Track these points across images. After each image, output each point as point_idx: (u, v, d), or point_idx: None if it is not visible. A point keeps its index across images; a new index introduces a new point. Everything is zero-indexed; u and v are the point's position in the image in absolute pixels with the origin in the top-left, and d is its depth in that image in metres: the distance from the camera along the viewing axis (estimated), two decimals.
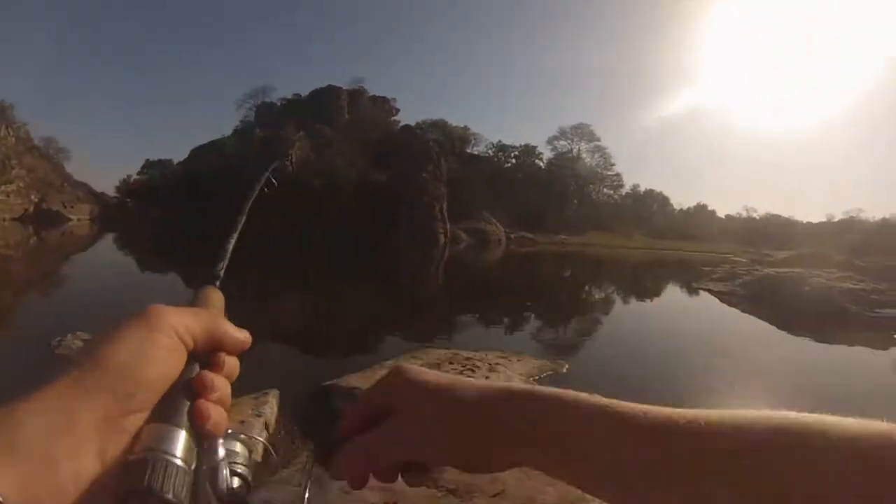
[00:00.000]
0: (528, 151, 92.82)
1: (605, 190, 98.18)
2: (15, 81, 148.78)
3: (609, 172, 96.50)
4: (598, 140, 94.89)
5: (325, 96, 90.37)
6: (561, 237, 77.51)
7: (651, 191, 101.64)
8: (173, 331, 0.55)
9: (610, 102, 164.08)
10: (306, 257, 39.11)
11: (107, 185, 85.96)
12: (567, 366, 10.60)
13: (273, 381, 8.13)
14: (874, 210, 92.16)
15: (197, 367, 0.58)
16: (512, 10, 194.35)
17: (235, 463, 0.64)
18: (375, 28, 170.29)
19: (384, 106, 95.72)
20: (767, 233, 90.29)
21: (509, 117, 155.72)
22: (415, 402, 0.62)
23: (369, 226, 61.29)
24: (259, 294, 21.13)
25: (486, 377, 8.63)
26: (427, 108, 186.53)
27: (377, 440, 0.61)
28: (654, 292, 31.82)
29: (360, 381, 8.06)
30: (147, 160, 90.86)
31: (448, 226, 67.69)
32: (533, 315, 19.87)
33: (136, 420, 0.49)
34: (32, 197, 63.94)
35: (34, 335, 11.32)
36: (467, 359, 10.08)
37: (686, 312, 24.59)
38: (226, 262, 0.88)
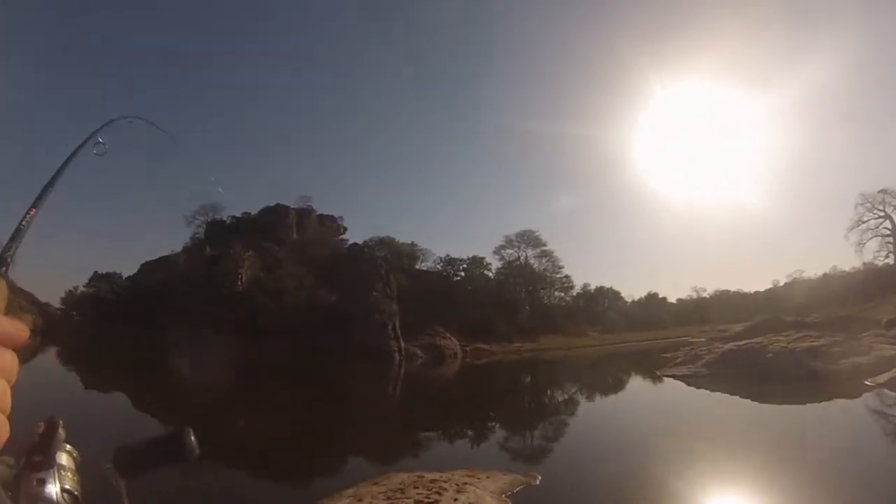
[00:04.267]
0: (477, 263, 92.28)
1: (555, 293, 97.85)
2: None
3: (558, 275, 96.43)
4: (545, 245, 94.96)
5: (274, 215, 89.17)
6: (516, 345, 76.43)
7: (601, 288, 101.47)
8: None
9: (553, 208, 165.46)
10: (257, 381, 38.19)
11: (52, 295, 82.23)
12: (539, 477, 10.19)
13: None
14: (815, 269, 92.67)
15: None
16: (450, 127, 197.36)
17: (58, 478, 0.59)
18: (319, 146, 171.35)
19: (331, 225, 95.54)
20: (719, 309, 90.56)
21: (456, 231, 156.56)
22: None
23: (321, 346, 60.41)
24: (212, 421, 20.38)
25: (455, 500, 8.49)
26: (374, 226, 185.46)
27: None
28: (619, 387, 31.25)
29: None
30: (95, 272, 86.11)
31: (402, 343, 66.25)
32: (497, 426, 19.47)
33: None
34: None
35: None
36: (432, 481, 9.55)
37: (656, 404, 23.81)
38: (17, 243, 0.82)
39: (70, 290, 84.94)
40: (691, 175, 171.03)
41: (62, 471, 0.63)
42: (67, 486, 0.62)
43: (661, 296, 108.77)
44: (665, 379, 27.52)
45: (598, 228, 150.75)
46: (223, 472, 12.74)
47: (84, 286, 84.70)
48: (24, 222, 0.89)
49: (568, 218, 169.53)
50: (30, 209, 0.91)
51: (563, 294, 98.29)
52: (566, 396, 28.21)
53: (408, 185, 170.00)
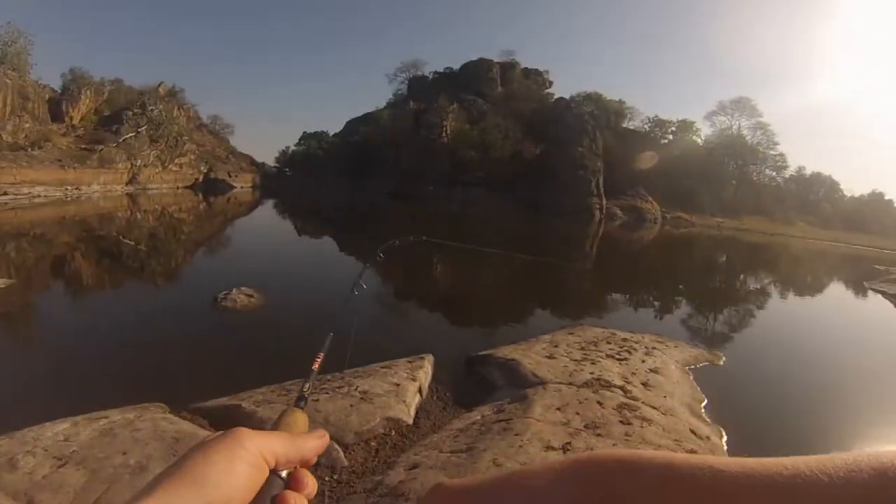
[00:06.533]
0: (686, 127, 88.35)
1: (766, 171, 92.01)
2: (186, 69, 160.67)
3: (772, 152, 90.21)
4: (761, 116, 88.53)
5: (477, 69, 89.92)
6: (717, 220, 74.74)
7: (818, 174, 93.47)
8: (258, 450, 0.64)
9: (774, 76, 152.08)
10: (460, 227, 39.77)
11: (268, 156, 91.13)
12: (724, 359, 10.29)
13: (427, 347, 8.80)
14: None
15: (279, 483, 0.67)
16: None
17: None
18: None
19: (537, 79, 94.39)
20: None
21: (664, 91, 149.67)
22: None
23: (523, 199, 61.66)
24: (413, 261, 21.73)
25: (643, 360, 8.85)
26: (580, 82, 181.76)
27: None
28: (817, 289, 29.66)
29: (515, 352, 8.56)
30: (304, 132, 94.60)
31: (604, 201, 67.38)
32: (685, 300, 19.48)
33: None
34: (202, 168, 70.25)
35: (203, 288, 12.90)
36: (624, 340, 10.06)
37: (852, 315, 21.75)
38: (311, 383, 0.96)
39: (283, 150, 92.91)
40: None
41: None
42: None
43: (887, 197, 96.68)
44: (870, 293, 25.59)
45: (822, 109, 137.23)
46: (418, 314, 14.08)
47: (295, 145, 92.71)
48: (314, 366, 1.03)
49: (786, 92, 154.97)
50: (318, 355, 1.07)
51: (774, 174, 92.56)
52: (759, 286, 27.31)
53: (615, 40, 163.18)
